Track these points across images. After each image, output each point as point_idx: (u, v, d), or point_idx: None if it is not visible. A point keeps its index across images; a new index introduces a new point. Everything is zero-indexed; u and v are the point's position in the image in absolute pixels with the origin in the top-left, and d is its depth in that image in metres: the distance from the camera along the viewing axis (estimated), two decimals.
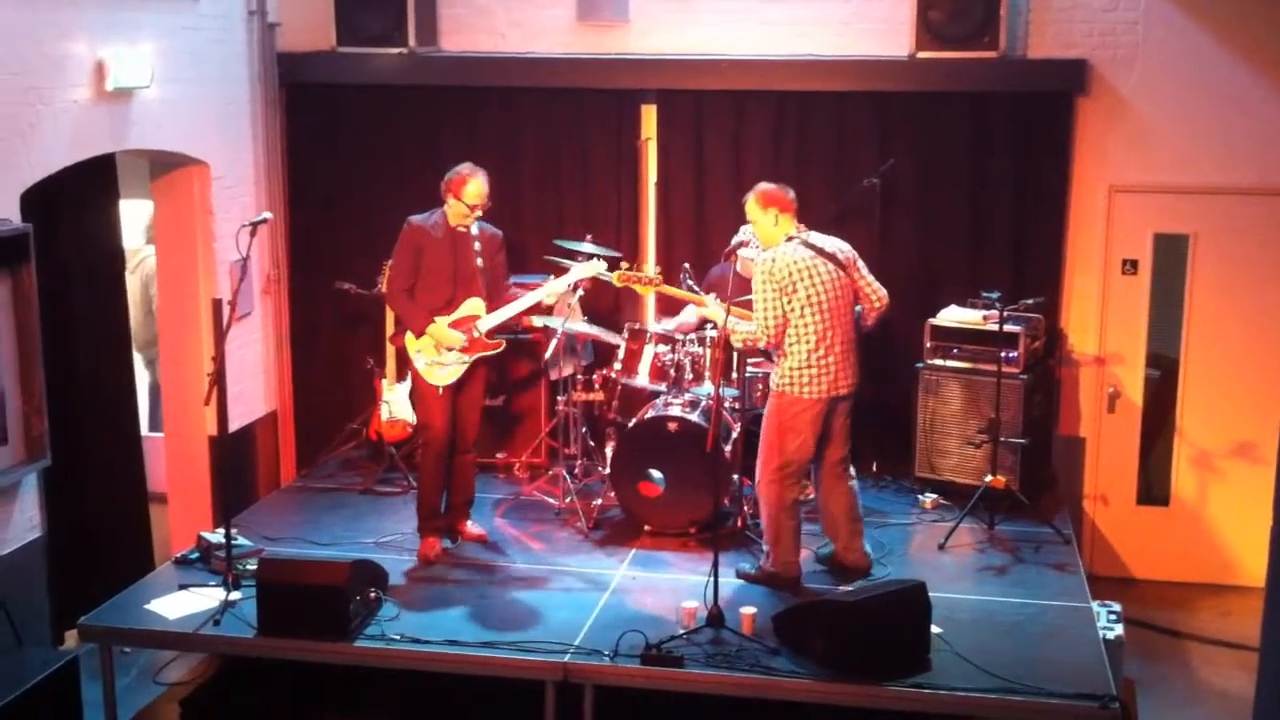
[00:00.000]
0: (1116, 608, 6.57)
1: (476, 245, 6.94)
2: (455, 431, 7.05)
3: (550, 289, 7.07)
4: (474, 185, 6.84)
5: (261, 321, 8.49)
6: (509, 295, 7.02)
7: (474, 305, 6.93)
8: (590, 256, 7.72)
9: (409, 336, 6.98)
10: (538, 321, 8.05)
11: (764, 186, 6.57)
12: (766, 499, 6.61)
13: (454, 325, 6.89)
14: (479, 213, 6.88)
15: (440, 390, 6.93)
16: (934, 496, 7.86)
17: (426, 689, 6.46)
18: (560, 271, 7.41)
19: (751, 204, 6.55)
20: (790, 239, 6.47)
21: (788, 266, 6.35)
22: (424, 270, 6.91)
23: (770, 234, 6.52)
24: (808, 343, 6.37)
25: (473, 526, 7.29)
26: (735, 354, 7.29)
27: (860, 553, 6.80)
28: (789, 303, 6.35)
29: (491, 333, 6.97)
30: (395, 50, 8.36)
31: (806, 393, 6.41)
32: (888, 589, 5.96)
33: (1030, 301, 7.65)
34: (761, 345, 6.46)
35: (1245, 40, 7.74)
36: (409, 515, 7.38)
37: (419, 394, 7.11)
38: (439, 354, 6.91)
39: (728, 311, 6.37)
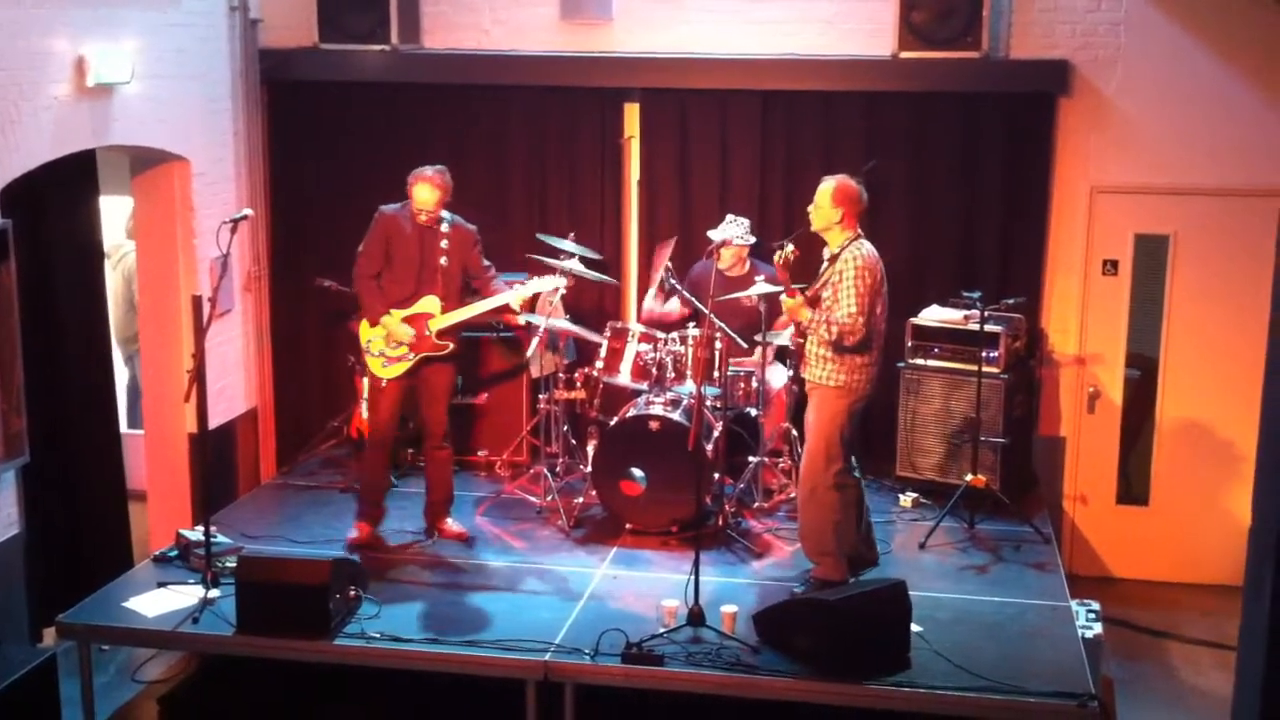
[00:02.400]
0: (1096, 607, 6.59)
1: (444, 244, 6.90)
2: (422, 427, 7.11)
3: (501, 300, 6.93)
4: (419, 190, 6.82)
5: (242, 319, 8.46)
6: (494, 289, 6.98)
7: (429, 303, 6.90)
8: (572, 255, 7.73)
9: (364, 324, 7.01)
10: (520, 319, 8.05)
11: (845, 180, 6.46)
12: (828, 505, 6.46)
13: (408, 320, 6.89)
14: (423, 216, 6.83)
15: (384, 382, 6.98)
16: (914, 495, 7.88)
17: (407, 688, 6.45)
18: (540, 270, 7.41)
19: (824, 190, 6.43)
20: (860, 236, 6.42)
21: (879, 264, 6.37)
22: (391, 261, 6.92)
23: (835, 227, 6.41)
24: (876, 342, 6.40)
25: (452, 524, 7.27)
26: (717, 353, 7.29)
27: (874, 546, 6.90)
28: (876, 299, 6.36)
29: (443, 333, 6.92)
30: (378, 47, 8.34)
31: (866, 391, 6.42)
32: (868, 588, 5.98)
33: (1011, 301, 7.68)
34: (849, 341, 6.25)
35: (1227, 42, 7.77)
36: (390, 512, 7.37)
37: (370, 383, 7.11)
38: (388, 346, 6.93)
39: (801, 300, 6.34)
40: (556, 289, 7.25)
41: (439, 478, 7.23)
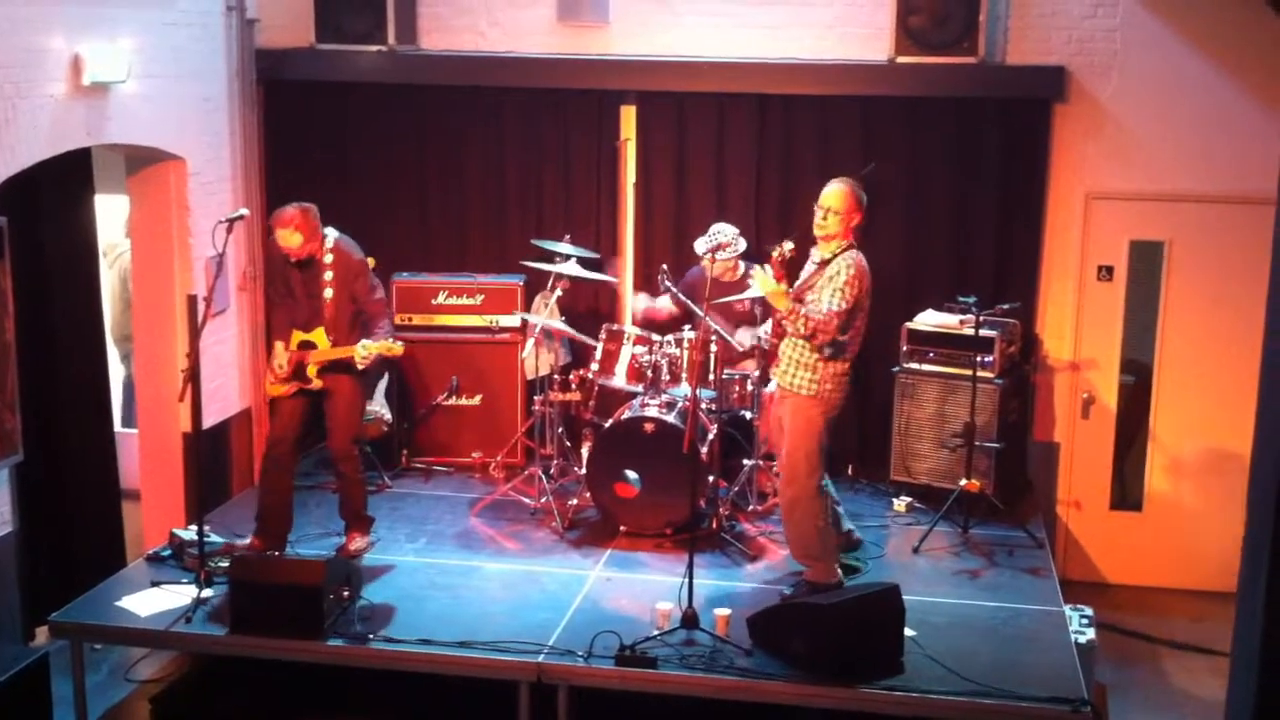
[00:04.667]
0: (1089, 612, 6.60)
1: (328, 275, 6.71)
2: (327, 445, 6.96)
3: (348, 353, 6.64)
4: (279, 234, 6.63)
5: (237, 318, 8.44)
6: (376, 323, 6.72)
7: (319, 335, 6.77)
8: (569, 257, 7.73)
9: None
10: (515, 320, 8.07)
11: (856, 186, 6.38)
12: (811, 514, 6.45)
13: (301, 345, 6.76)
14: (292, 260, 6.66)
15: (270, 399, 6.95)
16: (908, 500, 7.88)
17: (400, 689, 6.44)
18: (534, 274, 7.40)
19: (839, 195, 6.36)
20: (854, 245, 6.37)
21: (869, 276, 6.32)
22: (287, 287, 6.82)
23: (838, 233, 6.35)
24: (853, 351, 6.38)
25: (354, 542, 6.92)
26: (712, 356, 7.30)
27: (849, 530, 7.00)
28: (857, 309, 6.31)
29: (322, 367, 6.71)
30: (375, 48, 8.33)
31: (839, 401, 6.40)
32: (862, 591, 5.99)
33: (1006, 306, 7.69)
34: (818, 339, 6.21)
35: (1223, 49, 7.78)
36: (384, 514, 7.38)
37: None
38: (276, 367, 6.84)
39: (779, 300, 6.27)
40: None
41: (342, 496, 7.00)
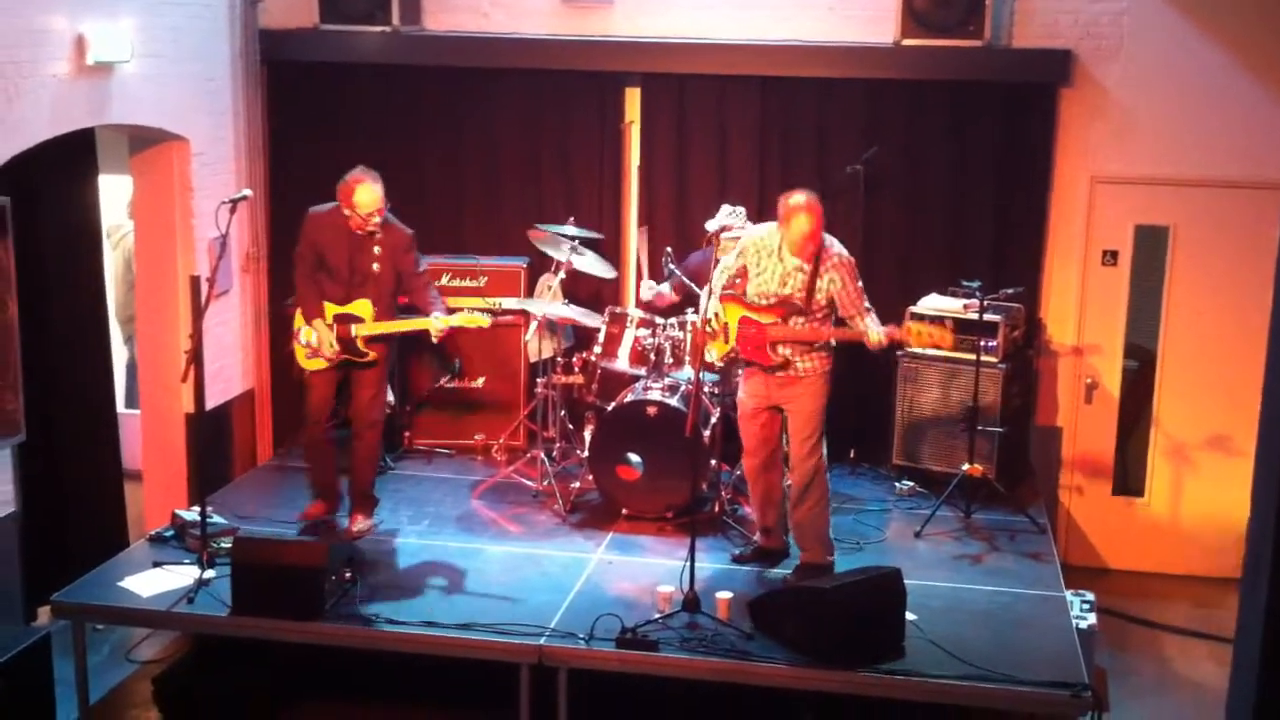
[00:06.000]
0: (1090, 597, 6.60)
1: (376, 249, 6.75)
2: (352, 412, 7.03)
3: (424, 325, 6.73)
4: (362, 191, 6.61)
5: (240, 299, 8.45)
6: (427, 301, 6.81)
7: (362, 307, 6.79)
8: (573, 239, 7.72)
9: (299, 313, 6.94)
10: (517, 303, 8.05)
11: (813, 200, 6.30)
12: (820, 488, 6.57)
13: (340, 318, 6.78)
14: (376, 219, 6.67)
15: (306, 372, 6.94)
16: (910, 484, 7.88)
17: (400, 670, 6.45)
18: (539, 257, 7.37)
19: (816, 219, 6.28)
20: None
21: None
22: (323, 264, 6.83)
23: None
24: None
25: (357, 524, 7.01)
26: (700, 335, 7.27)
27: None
28: None
29: (369, 341, 6.80)
30: (378, 29, 8.31)
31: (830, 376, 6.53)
32: (863, 576, 5.98)
33: (1010, 291, 7.66)
34: None
35: (1230, 33, 7.75)
36: (387, 496, 7.38)
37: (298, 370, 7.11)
38: (315, 341, 6.84)
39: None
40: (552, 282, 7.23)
41: (354, 468, 7.05)
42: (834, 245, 6.38)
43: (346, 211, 6.68)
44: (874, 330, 6.29)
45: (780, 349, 6.43)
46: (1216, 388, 8.07)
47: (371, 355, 6.84)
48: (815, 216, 6.23)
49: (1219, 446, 8.08)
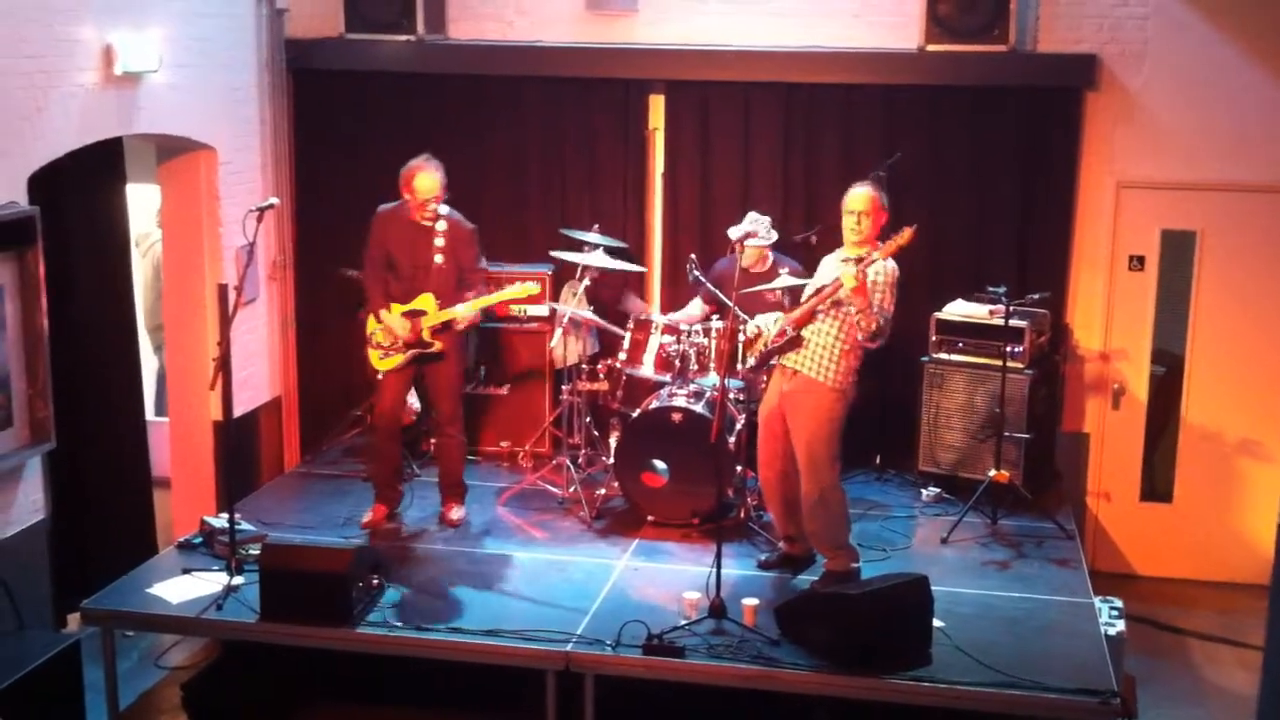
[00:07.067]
0: (1118, 604, 6.58)
1: (439, 241, 6.92)
2: (433, 411, 7.31)
3: (497, 298, 7.02)
4: (423, 178, 6.82)
5: (267, 307, 8.49)
6: (477, 291, 6.99)
7: (425, 301, 6.96)
8: (597, 246, 7.73)
9: (371, 317, 7.10)
10: (543, 309, 8.07)
11: (877, 188, 6.40)
12: (836, 503, 6.51)
13: (406, 316, 6.96)
14: (433, 205, 6.84)
15: (380, 374, 7.08)
16: (936, 490, 7.86)
17: (427, 676, 6.47)
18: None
19: (871, 199, 6.34)
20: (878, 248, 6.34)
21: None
22: (390, 260, 7.02)
23: (870, 235, 6.34)
24: (867, 349, 6.40)
25: (453, 512, 7.36)
26: (740, 346, 7.28)
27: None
28: None
29: (435, 331, 6.95)
30: (403, 38, 8.34)
31: (853, 397, 6.44)
32: (890, 582, 5.97)
33: (1036, 296, 7.65)
34: (880, 341, 6.26)
35: (1255, 36, 7.72)
36: (413, 502, 7.40)
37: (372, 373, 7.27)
38: (386, 339, 7.00)
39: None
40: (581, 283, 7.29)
41: (442, 464, 7.38)
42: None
43: (406, 196, 6.88)
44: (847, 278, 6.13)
45: (808, 341, 6.41)
46: (1245, 393, 8.02)
47: (438, 345, 6.98)
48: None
49: (1247, 452, 8.03)
